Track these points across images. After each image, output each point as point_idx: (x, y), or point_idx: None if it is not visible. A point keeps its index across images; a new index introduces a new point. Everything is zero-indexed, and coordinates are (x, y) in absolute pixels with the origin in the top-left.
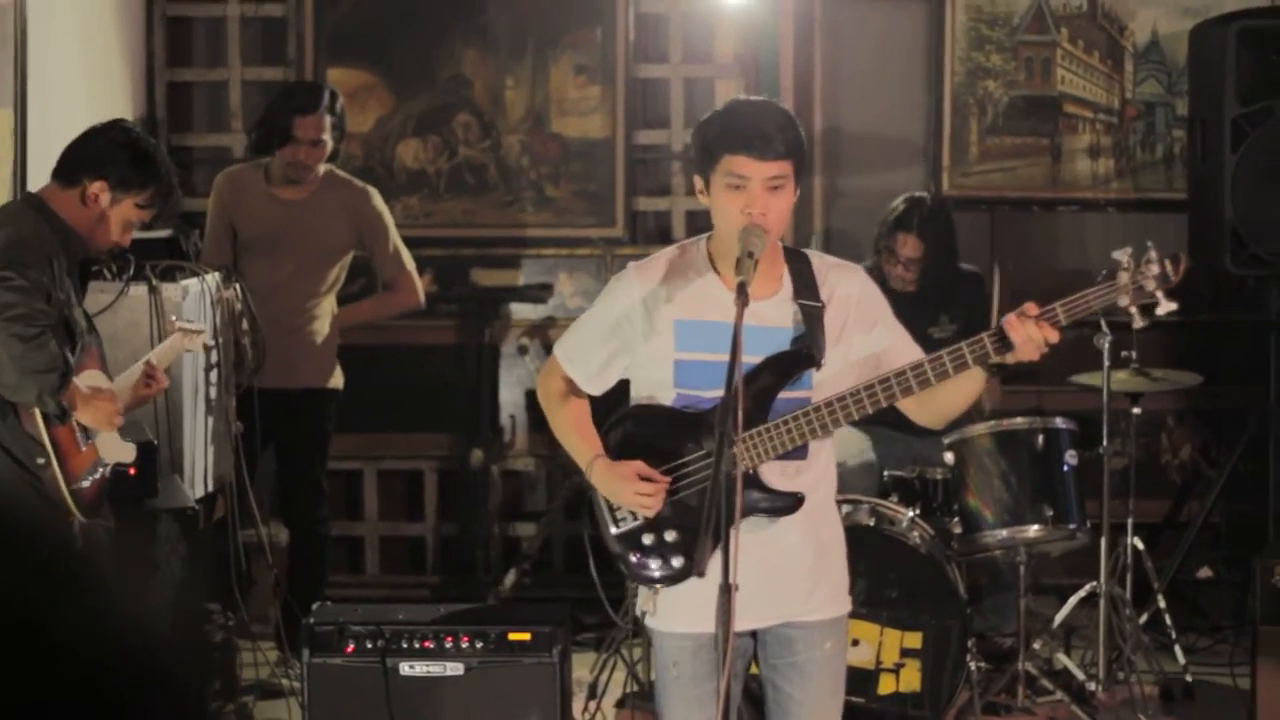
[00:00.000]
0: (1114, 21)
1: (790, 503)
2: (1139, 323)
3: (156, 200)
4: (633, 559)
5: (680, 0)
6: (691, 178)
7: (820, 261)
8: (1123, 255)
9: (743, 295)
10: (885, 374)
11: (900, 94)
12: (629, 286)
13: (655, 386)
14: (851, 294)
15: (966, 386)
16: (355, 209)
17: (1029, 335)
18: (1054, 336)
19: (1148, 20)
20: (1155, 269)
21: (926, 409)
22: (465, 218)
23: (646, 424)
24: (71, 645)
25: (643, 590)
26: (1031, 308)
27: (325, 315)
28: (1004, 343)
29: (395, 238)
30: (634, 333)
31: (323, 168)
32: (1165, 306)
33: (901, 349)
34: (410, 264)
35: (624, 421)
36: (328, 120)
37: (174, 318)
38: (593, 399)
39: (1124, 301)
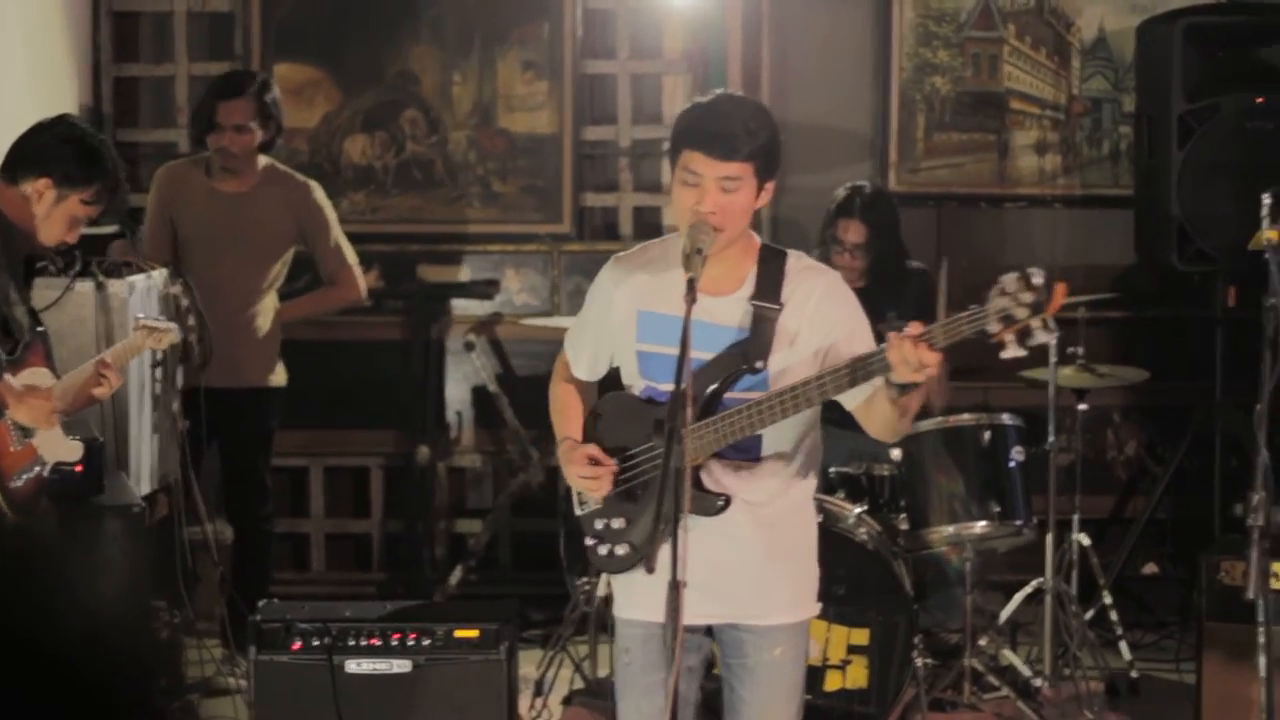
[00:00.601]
0: (1061, 18)
1: (714, 503)
2: (1011, 351)
3: (103, 196)
4: (589, 542)
5: None
6: (638, 173)
7: (795, 263)
8: (1008, 279)
9: (690, 291)
10: (796, 382)
11: (848, 90)
12: (607, 275)
13: (628, 375)
14: (812, 294)
15: (882, 404)
16: (296, 203)
17: (904, 356)
18: (931, 359)
19: (1094, 17)
20: (1029, 297)
21: (869, 423)
22: (412, 213)
23: (614, 411)
24: (10, 642)
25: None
26: (914, 327)
27: (267, 312)
28: (883, 362)
29: (337, 232)
30: (608, 320)
31: (262, 161)
32: (1038, 339)
33: (856, 347)
34: (352, 258)
35: (604, 404)
36: (253, 106)
37: (140, 315)
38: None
39: (994, 329)
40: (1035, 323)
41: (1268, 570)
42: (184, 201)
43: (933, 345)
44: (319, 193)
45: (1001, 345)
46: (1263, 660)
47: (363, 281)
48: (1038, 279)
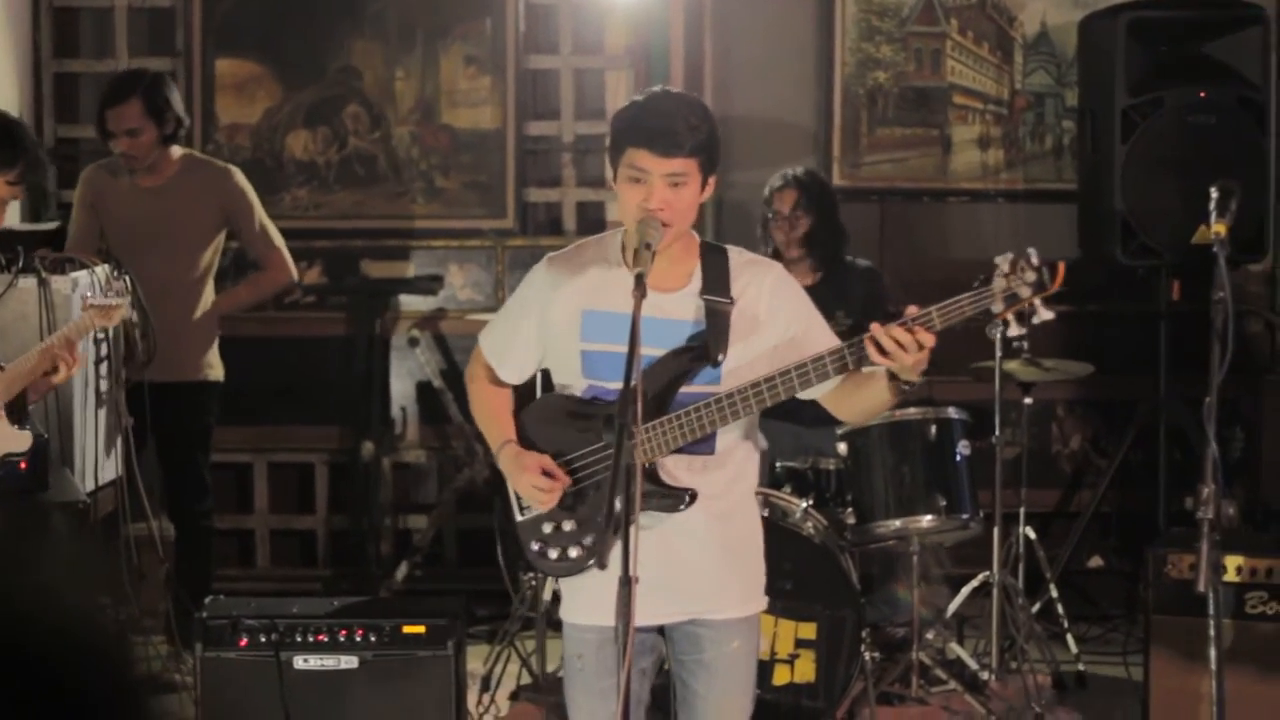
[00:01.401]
0: (1003, 13)
1: (681, 499)
2: (1014, 330)
3: (26, 174)
4: (534, 547)
5: None
6: (581, 168)
7: (739, 258)
8: (1002, 260)
9: (639, 287)
10: (771, 372)
11: (791, 85)
12: (542, 276)
13: (568, 376)
14: (764, 289)
15: (876, 392)
16: (218, 189)
17: (898, 338)
18: (929, 340)
19: (1037, 11)
20: (1031, 276)
21: (843, 408)
22: (355, 209)
23: (556, 412)
24: None
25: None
26: (911, 310)
27: (203, 305)
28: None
29: (261, 215)
30: (545, 322)
31: (177, 151)
32: (1042, 315)
33: (817, 337)
34: (279, 240)
35: (536, 408)
36: (140, 107)
37: (86, 295)
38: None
39: (998, 308)
40: (1038, 302)
41: (1218, 563)
42: (109, 200)
43: (930, 328)
44: (239, 176)
45: (1005, 324)
46: (1214, 653)
47: (292, 263)
48: (1036, 259)
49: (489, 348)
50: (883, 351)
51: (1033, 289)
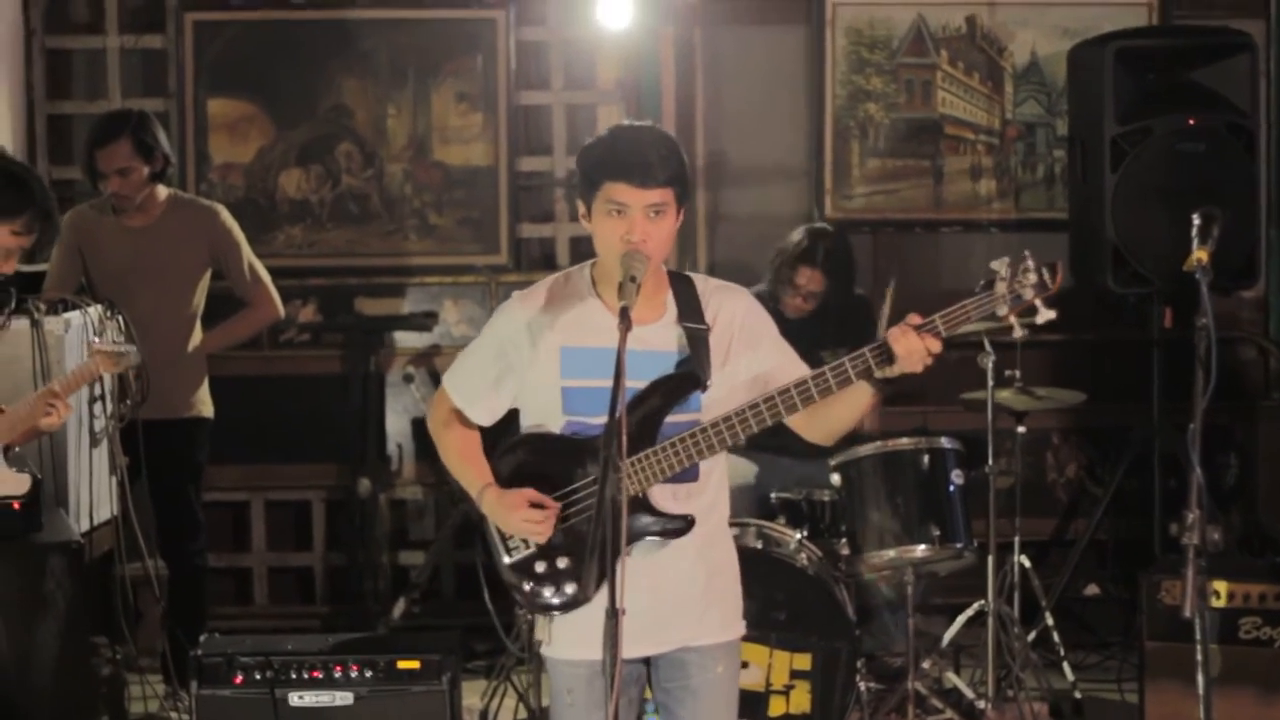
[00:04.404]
0: (993, 43)
1: (682, 525)
2: (1019, 332)
3: (33, 225)
4: (526, 588)
5: (561, 27)
6: (575, 203)
7: (704, 284)
8: (1000, 265)
9: (625, 320)
10: (770, 392)
11: (782, 118)
12: (512, 315)
13: (545, 414)
14: (736, 315)
15: (853, 402)
16: (205, 228)
17: (910, 347)
18: (935, 346)
19: (1026, 41)
20: (1033, 277)
21: (815, 426)
22: (349, 247)
23: (536, 452)
24: None
25: (539, 619)
26: (914, 318)
27: (192, 342)
28: (886, 355)
29: (248, 253)
30: (519, 361)
31: (164, 191)
32: (1044, 315)
33: (788, 367)
34: (266, 277)
35: (514, 449)
36: (129, 146)
37: (94, 339)
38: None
39: (1002, 310)
40: (1040, 302)
41: (1204, 589)
42: (95, 243)
43: (935, 334)
44: (226, 215)
45: (1008, 327)
46: (1201, 678)
47: (278, 299)
48: (1034, 260)
49: (457, 390)
50: (888, 359)
51: (1035, 290)
